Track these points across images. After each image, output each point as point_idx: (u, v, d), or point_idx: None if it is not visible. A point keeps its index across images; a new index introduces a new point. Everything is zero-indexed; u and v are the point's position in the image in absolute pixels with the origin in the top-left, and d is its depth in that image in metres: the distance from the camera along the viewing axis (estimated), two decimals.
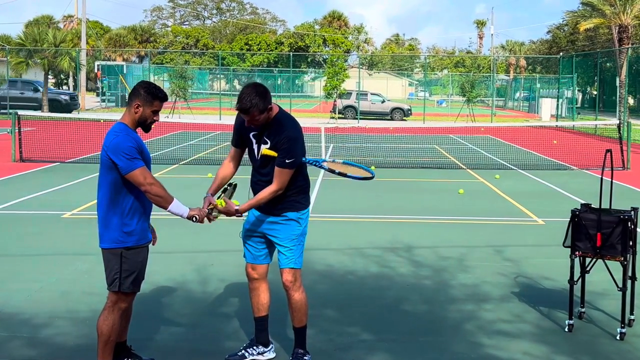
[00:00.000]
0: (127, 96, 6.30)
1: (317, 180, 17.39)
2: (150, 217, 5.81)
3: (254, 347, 6.37)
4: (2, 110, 43.53)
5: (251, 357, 6.33)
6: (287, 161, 5.85)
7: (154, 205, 5.73)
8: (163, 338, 6.87)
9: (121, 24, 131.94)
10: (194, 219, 5.66)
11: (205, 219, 5.78)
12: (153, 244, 5.90)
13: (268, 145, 5.92)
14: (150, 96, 5.59)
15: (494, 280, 8.98)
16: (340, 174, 6.48)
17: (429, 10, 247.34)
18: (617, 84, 45.08)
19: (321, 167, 6.54)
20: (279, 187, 5.90)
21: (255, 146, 6.03)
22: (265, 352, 6.38)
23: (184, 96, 46.56)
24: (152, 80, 60.11)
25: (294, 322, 6.25)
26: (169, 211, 5.59)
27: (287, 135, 5.88)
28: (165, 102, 5.71)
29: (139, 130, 5.70)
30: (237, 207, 5.92)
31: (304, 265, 8.37)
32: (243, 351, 6.36)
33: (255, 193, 6.09)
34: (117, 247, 5.54)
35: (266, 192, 5.91)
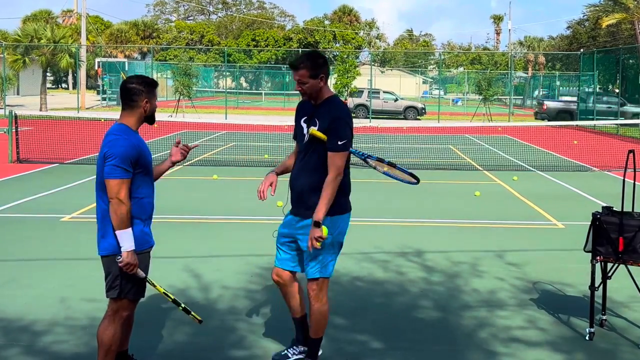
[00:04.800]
0: None
1: None
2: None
3: (295, 347, 6.49)
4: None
5: (294, 357, 6.45)
6: (339, 143, 5.88)
7: (154, 208, 5.76)
8: (165, 346, 6.88)
9: (123, 19, 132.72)
10: (119, 260, 5.43)
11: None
12: None
13: (317, 127, 5.96)
14: (151, 87, 5.66)
15: (511, 287, 8.97)
16: (385, 173, 6.70)
17: (441, 4, 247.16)
18: None
19: (365, 160, 6.69)
20: (337, 173, 5.89)
21: (305, 130, 6.09)
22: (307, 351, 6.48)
23: (188, 94, 46.64)
24: (155, 77, 60.24)
25: (310, 332, 6.29)
26: (115, 233, 5.44)
27: (338, 115, 5.94)
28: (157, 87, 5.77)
29: (141, 127, 5.72)
30: (315, 219, 5.83)
31: None
32: (286, 351, 6.50)
33: (295, 185, 6.14)
34: (117, 253, 5.53)
35: (327, 185, 5.89)
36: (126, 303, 5.68)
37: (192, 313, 6.04)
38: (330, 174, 5.88)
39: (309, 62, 5.93)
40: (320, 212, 5.83)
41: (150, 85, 5.66)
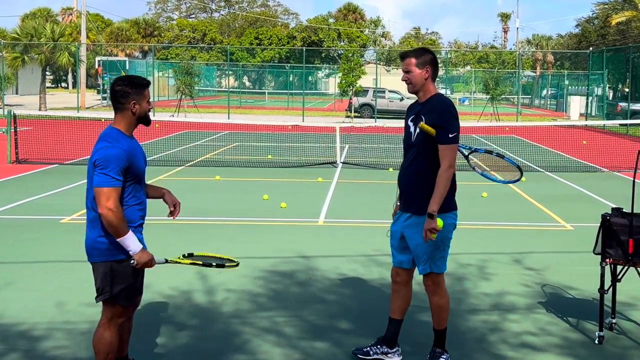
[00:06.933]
0: None
1: (332, 183, 17.39)
2: (144, 225, 5.79)
3: (379, 346, 6.68)
4: None
5: (375, 356, 6.64)
6: (450, 136, 6.09)
7: (146, 214, 5.75)
8: (168, 350, 6.88)
9: (123, 17, 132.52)
10: (134, 264, 5.46)
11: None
12: None
13: (424, 121, 6.14)
14: (139, 88, 5.54)
15: (520, 290, 8.96)
16: (483, 174, 7.20)
17: (447, 2, 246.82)
18: None
19: (467, 158, 7.02)
20: (448, 164, 6.09)
21: (412, 129, 6.29)
22: (390, 353, 6.65)
23: (190, 94, 46.64)
24: (156, 77, 60.30)
25: (433, 324, 6.57)
26: (118, 241, 5.42)
27: (445, 109, 6.18)
28: (149, 86, 5.68)
29: (136, 130, 5.68)
30: (430, 211, 6.01)
31: (316, 271, 8.31)
32: (368, 348, 6.68)
33: (402, 183, 6.37)
34: (106, 260, 5.49)
35: (440, 176, 6.08)
36: (119, 310, 5.63)
37: (227, 264, 6.06)
38: (442, 166, 6.08)
39: (417, 52, 6.32)
40: (434, 204, 6.02)
41: (138, 86, 5.55)
